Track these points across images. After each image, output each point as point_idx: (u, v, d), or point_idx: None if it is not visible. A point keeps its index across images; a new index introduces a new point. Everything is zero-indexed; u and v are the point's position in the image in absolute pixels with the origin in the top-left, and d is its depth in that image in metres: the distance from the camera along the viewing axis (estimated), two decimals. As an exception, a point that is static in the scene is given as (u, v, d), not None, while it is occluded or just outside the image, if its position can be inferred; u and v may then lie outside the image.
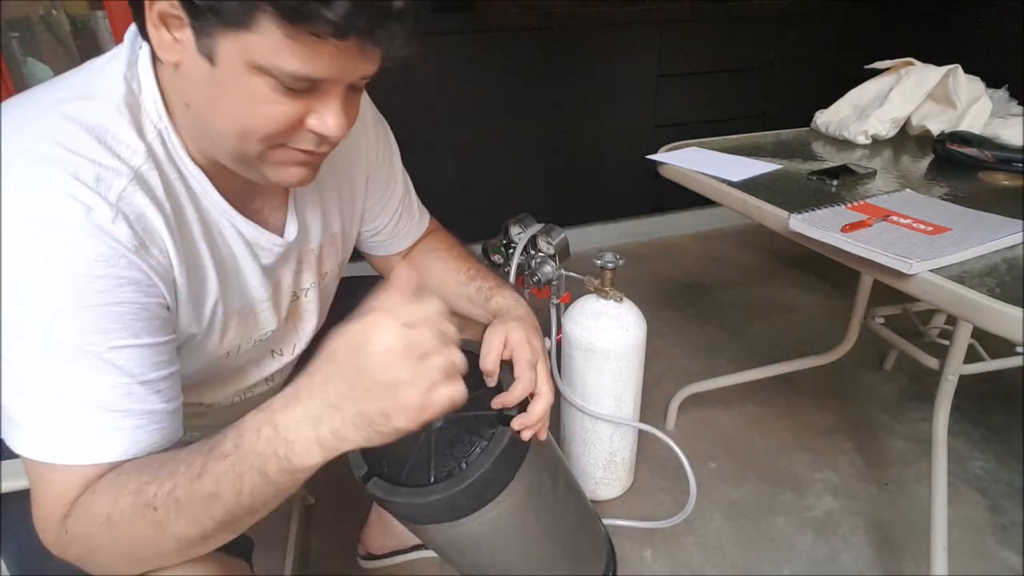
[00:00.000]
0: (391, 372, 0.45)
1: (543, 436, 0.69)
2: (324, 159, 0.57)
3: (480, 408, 0.66)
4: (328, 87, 0.51)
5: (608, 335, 1.08)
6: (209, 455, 0.49)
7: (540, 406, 0.66)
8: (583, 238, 2.25)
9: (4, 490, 0.57)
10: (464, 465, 0.63)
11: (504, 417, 0.65)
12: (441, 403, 0.47)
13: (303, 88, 0.49)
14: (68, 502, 0.49)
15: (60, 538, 0.49)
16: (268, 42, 0.45)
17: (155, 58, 0.52)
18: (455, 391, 0.47)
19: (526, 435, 0.65)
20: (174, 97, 0.53)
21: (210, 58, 0.47)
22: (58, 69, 1.50)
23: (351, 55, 0.48)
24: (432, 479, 0.63)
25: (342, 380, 0.46)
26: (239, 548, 0.56)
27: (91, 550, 0.49)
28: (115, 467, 0.50)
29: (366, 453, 0.64)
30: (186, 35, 0.47)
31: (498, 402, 0.66)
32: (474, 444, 0.64)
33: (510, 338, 0.69)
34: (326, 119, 0.52)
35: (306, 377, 0.48)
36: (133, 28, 0.53)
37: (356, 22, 0.45)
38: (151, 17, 0.47)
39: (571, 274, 1.13)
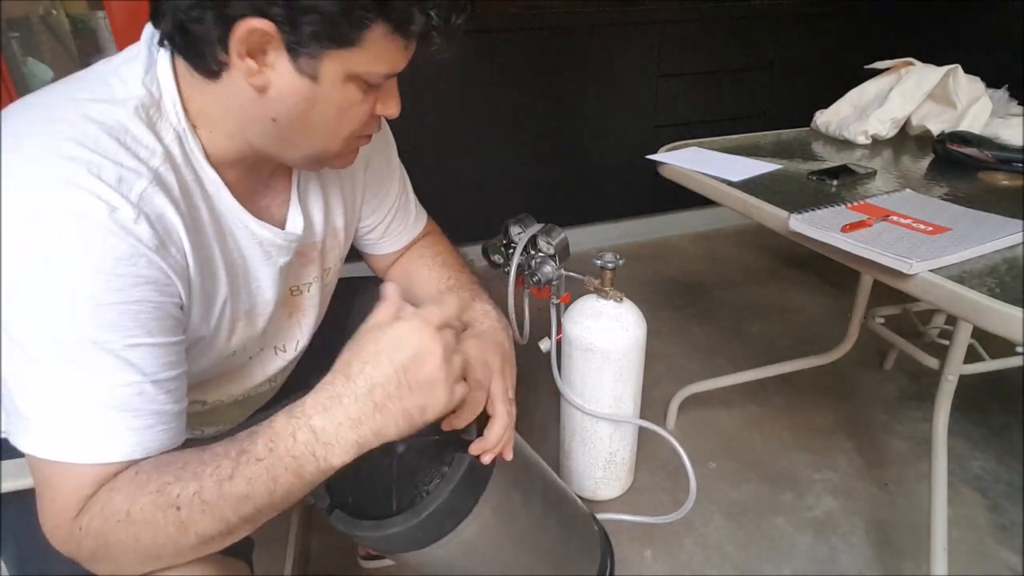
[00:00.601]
0: (432, 373, 0.52)
1: (508, 456, 0.66)
2: None
3: (438, 432, 0.63)
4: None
5: (608, 335, 1.08)
6: (239, 459, 0.49)
7: (495, 429, 0.62)
8: (583, 238, 2.25)
9: (4, 490, 0.56)
10: (426, 493, 0.61)
11: (464, 442, 0.62)
12: (457, 398, 0.54)
13: (381, 83, 0.55)
14: (81, 499, 0.49)
15: (73, 535, 0.49)
16: (369, 53, 0.51)
17: (174, 65, 0.53)
18: (464, 388, 0.55)
19: (486, 459, 0.63)
20: (218, 106, 0.54)
21: (313, 77, 0.51)
22: (58, 69, 1.50)
23: (414, 48, 0.54)
24: (395, 507, 0.61)
25: (388, 383, 0.51)
26: (239, 548, 0.56)
27: (106, 546, 0.49)
28: (129, 465, 0.50)
29: (330, 484, 0.61)
30: (276, 59, 0.50)
31: (448, 424, 0.63)
32: (435, 470, 0.62)
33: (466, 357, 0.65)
34: (390, 105, 0.58)
35: (345, 381, 0.51)
36: (149, 30, 0.54)
37: (443, 24, 0.51)
38: (237, 49, 0.48)
39: (571, 274, 1.13)
